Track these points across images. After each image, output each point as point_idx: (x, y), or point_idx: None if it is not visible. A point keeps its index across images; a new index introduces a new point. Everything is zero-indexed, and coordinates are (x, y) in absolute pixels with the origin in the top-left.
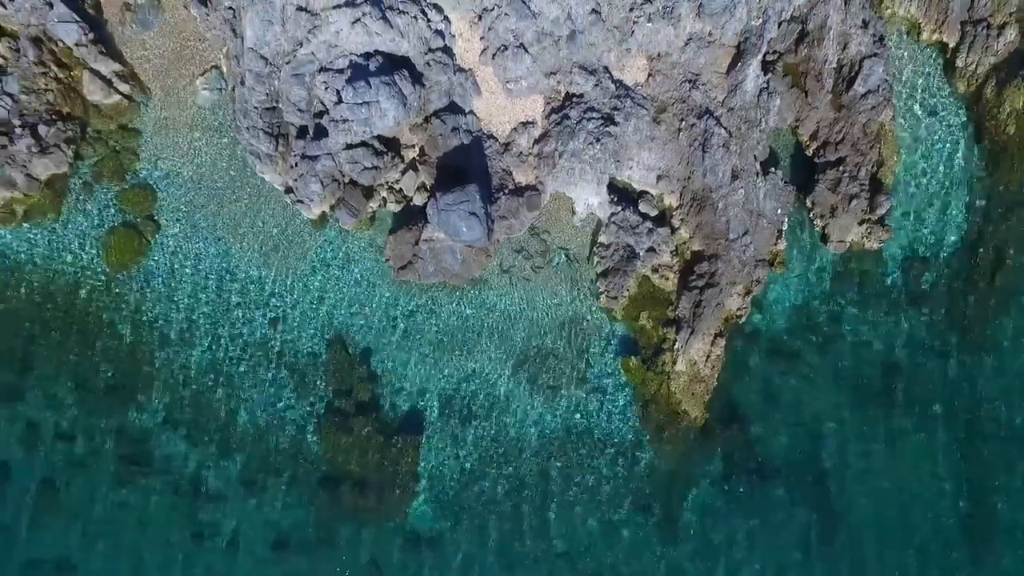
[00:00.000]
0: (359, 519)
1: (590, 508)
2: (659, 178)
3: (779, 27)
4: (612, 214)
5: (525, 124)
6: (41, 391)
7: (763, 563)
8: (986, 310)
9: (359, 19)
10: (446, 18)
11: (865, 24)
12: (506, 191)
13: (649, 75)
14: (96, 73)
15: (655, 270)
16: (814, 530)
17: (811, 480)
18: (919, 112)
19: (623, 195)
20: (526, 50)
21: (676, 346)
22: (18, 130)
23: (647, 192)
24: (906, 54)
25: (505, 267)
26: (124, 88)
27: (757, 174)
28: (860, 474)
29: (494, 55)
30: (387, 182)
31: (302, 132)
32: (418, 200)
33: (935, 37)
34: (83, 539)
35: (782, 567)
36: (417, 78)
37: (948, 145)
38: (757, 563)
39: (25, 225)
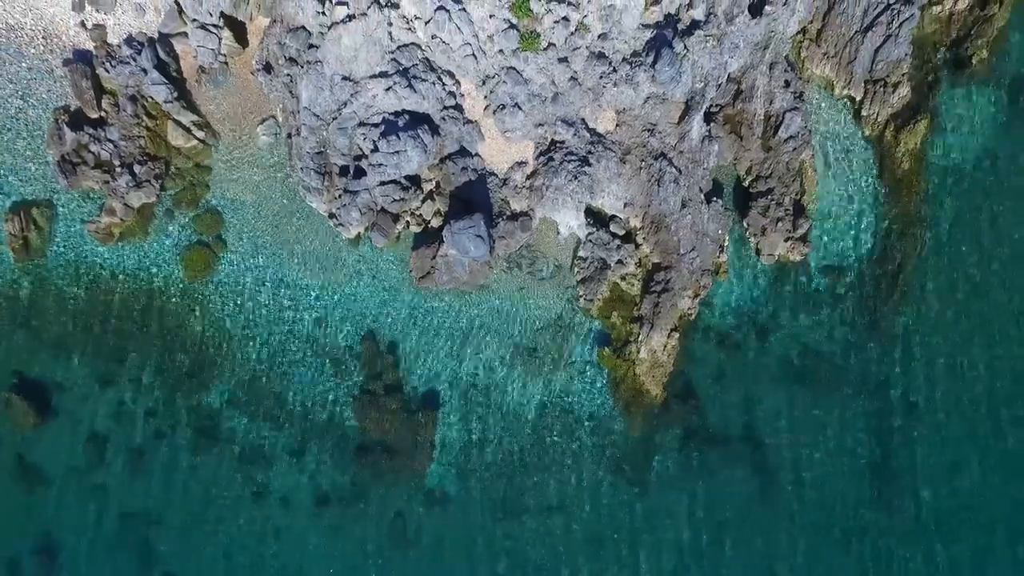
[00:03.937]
0: (387, 480)
1: (574, 469)
2: (625, 205)
3: (718, 88)
4: (588, 234)
5: (519, 163)
6: (130, 377)
7: (712, 513)
8: (891, 308)
9: (391, 87)
10: (457, 83)
11: (787, 84)
12: (504, 216)
13: (616, 125)
14: (178, 123)
15: (623, 278)
16: (752, 487)
17: (750, 446)
18: (834, 151)
19: (597, 218)
20: (520, 108)
21: (640, 338)
22: (119, 169)
23: (616, 216)
24: (824, 105)
25: (504, 276)
26: (200, 134)
27: (702, 202)
28: (789, 442)
29: (495, 111)
30: (410, 210)
31: (344, 171)
32: (435, 223)
33: (845, 92)
34: (164, 496)
35: (726, 517)
36: (435, 129)
37: (857, 177)
38: (707, 514)
39: (119, 244)
